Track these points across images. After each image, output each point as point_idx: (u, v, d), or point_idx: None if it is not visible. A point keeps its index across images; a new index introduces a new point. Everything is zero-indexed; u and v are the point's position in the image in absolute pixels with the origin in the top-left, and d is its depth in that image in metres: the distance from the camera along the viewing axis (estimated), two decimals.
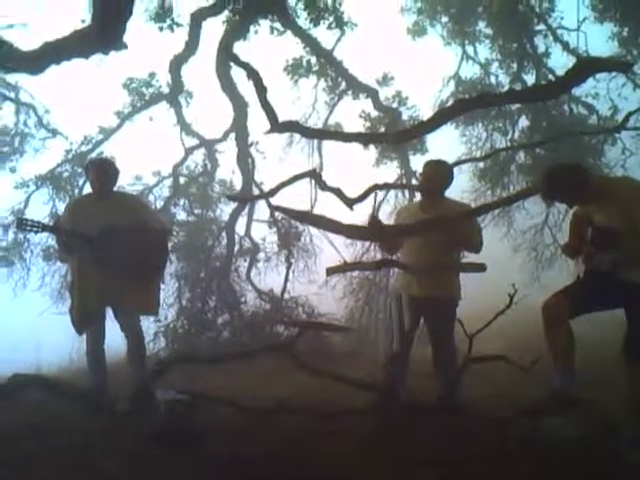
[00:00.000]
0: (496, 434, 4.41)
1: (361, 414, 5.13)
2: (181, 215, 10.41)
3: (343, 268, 6.06)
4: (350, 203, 5.62)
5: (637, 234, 4.08)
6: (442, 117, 5.20)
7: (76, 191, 9.88)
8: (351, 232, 5.32)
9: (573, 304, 4.35)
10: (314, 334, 7.99)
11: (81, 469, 4.06)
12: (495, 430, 4.47)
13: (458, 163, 6.93)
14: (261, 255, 10.38)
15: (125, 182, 9.40)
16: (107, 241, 5.58)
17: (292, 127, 5.72)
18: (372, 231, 5.51)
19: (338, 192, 5.66)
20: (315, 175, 6.42)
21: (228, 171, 10.55)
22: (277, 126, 5.17)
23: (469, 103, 5.64)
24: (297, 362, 5.28)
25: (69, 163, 10.03)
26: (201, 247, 10.05)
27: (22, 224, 5.62)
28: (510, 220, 10.66)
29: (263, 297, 10.07)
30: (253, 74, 5.20)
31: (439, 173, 5.59)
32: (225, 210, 10.44)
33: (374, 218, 5.39)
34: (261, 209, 10.21)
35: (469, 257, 5.82)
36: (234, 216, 10.12)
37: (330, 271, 5.80)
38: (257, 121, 8.84)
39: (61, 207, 9.66)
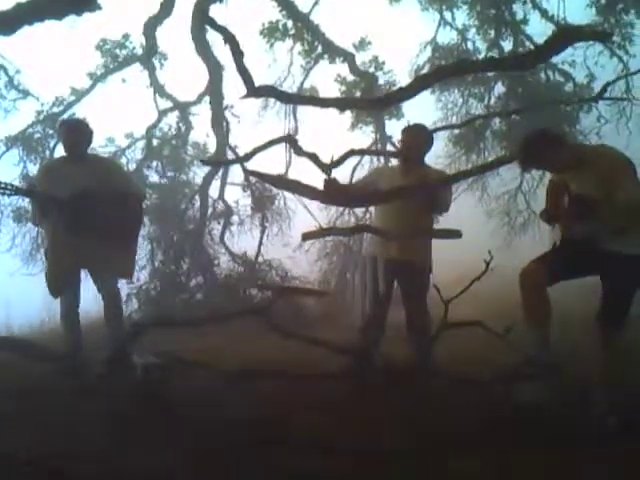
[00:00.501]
0: (470, 399, 4.47)
1: (336, 378, 5.16)
2: (154, 177, 10.40)
3: (319, 233, 6.08)
4: (326, 168, 5.59)
5: (613, 203, 4.11)
6: (421, 84, 5.16)
7: (47, 152, 9.79)
8: (325, 197, 5.33)
9: (550, 271, 4.38)
10: (288, 297, 7.99)
11: (57, 431, 4.05)
12: (469, 395, 4.53)
13: (435, 130, 6.92)
14: (235, 218, 10.38)
15: (97, 144, 9.31)
16: (81, 204, 5.48)
17: (269, 92, 5.64)
18: (347, 197, 5.53)
19: (314, 157, 5.63)
20: (291, 140, 6.39)
21: (202, 134, 10.54)
22: (253, 91, 5.11)
23: (448, 70, 5.63)
24: (272, 326, 5.29)
25: (40, 124, 9.93)
26: (174, 210, 10.02)
27: None
28: (484, 185, 10.70)
29: (237, 260, 10.11)
30: (230, 38, 5.13)
31: (418, 140, 5.58)
32: (198, 173, 10.43)
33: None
34: (235, 172, 10.20)
35: (442, 223, 5.86)
36: (207, 179, 10.12)
37: (306, 236, 5.81)
38: (232, 84, 8.80)
39: (32, 168, 9.59)
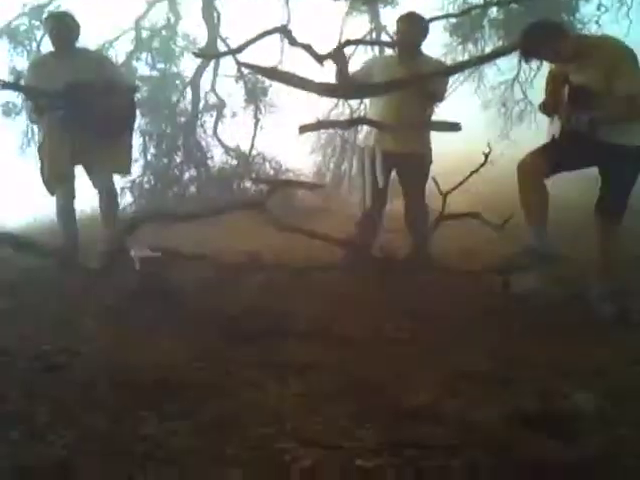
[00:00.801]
0: (469, 289, 4.53)
1: (333, 270, 5.21)
2: (143, 70, 10.23)
3: (315, 126, 6.02)
4: (321, 59, 5.49)
5: (613, 94, 4.07)
6: None
7: (34, 44, 9.61)
8: (320, 89, 5.27)
9: (549, 163, 4.36)
10: (283, 190, 7.97)
11: (57, 325, 4.07)
12: (468, 286, 4.58)
13: (431, 20, 6.77)
14: (227, 111, 10.28)
15: (84, 36, 9.12)
16: (74, 98, 5.39)
17: None
18: (342, 88, 5.46)
19: (308, 48, 5.52)
20: (285, 31, 6.24)
21: (192, 25, 10.32)
22: None
23: None
24: (269, 218, 5.29)
25: (26, 16, 9.70)
26: (165, 102, 9.91)
27: None
28: (480, 75, 10.57)
29: (230, 153, 10.07)
30: None
31: (413, 28, 5.48)
32: (189, 65, 10.26)
33: (343, 74, 5.32)
34: (227, 64, 10.03)
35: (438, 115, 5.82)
36: (199, 71, 9.97)
37: (302, 129, 5.74)
38: None
39: (19, 62, 9.45)
